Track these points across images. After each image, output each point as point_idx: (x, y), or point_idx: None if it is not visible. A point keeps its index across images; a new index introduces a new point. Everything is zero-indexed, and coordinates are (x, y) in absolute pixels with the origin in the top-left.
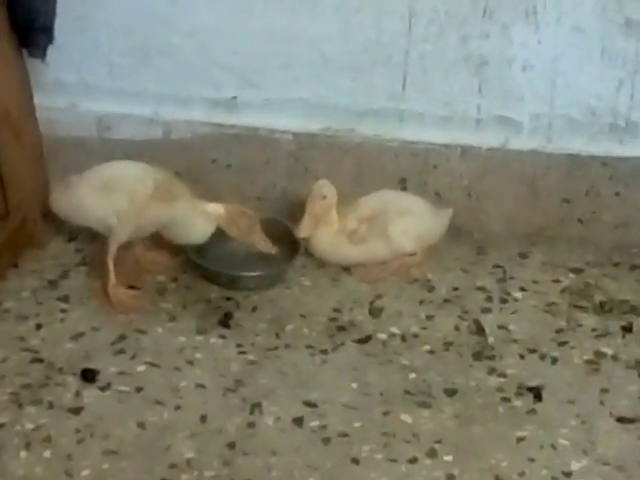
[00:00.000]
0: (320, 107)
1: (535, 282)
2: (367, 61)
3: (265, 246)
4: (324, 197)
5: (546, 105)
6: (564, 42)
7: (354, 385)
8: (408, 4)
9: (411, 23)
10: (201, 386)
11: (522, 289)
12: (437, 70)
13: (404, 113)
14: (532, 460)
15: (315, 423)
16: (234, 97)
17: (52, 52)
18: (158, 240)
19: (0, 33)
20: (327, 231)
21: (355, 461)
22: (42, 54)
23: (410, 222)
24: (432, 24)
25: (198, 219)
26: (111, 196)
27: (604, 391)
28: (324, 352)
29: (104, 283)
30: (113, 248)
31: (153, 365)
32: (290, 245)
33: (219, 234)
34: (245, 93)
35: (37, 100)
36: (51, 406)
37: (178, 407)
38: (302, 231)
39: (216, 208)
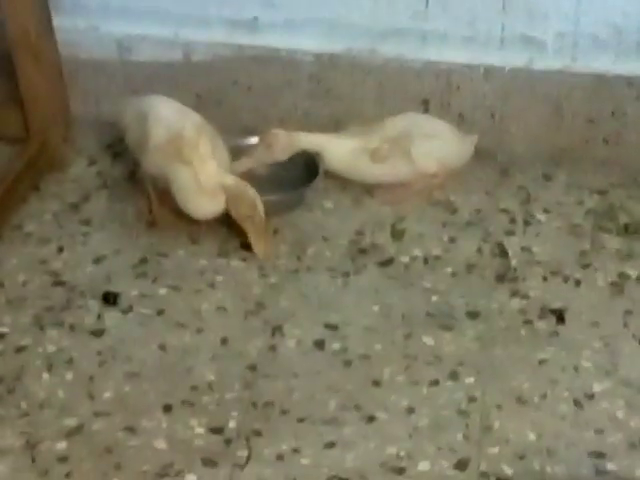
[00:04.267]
0: (341, 27)
1: (559, 204)
2: None
3: (256, 246)
4: (268, 145)
5: (571, 24)
6: None
7: (375, 308)
8: None
9: None
10: (222, 309)
11: (546, 211)
12: None
13: (427, 33)
14: (554, 382)
15: (336, 345)
16: (255, 17)
17: None
18: None
19: None
20: (346, 147)
21: (376, 383)
22: None
23: (434, 144)
24: None
25: (196, 196)
26: (141, 127)
27: (628, 313)
28: (345, 275)
29: (148, 204)
30: (148, 175)
31: (174, 288)
32: (311, 167)
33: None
34: (266, 13)
35: (56, 22)
36: (73, 329)
37: (199, 330)
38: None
39: (226, 179)
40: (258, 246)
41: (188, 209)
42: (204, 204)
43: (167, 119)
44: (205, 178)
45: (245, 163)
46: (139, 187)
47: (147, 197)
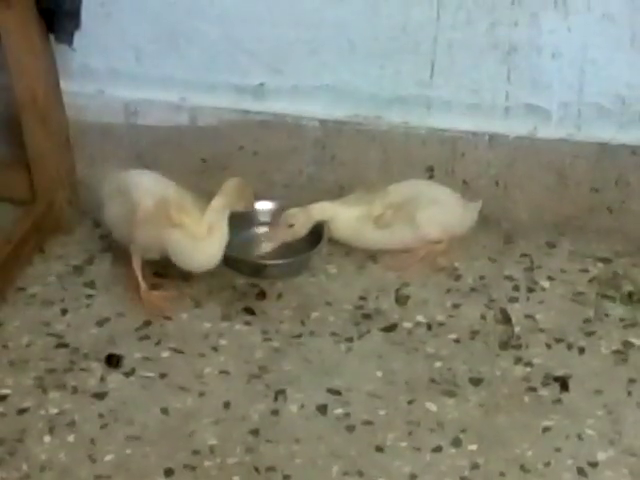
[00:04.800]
0: (347, 94)
1: (563, 271)
2: (395, 48)
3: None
4: (290, 226)
5: (575, 93)
6: (593, 30)
7: (379, 373)
8: None
9: (439, 10)
10: (225, 372)
11: (550, 278)
12: (465, 57)
13: (432, 100)
14: (558, 450)
15: (339, 411)
16: (261, 83)
17: (79, 38)
18: None
19: (27, 19)
20: (350, 215)
21: (379, 449)
22: (69, 40)
23: (438, 211)
24: (460, 11)
25: (198, 247)
26: (122, 205)
27: (632, 381)
28: (349, 340)
29: (135, 287)
30: (135, 258)
31: (177, 351)
32: (315, 233)
33: (242, 221)
34: (272, 79)
35: (64, 86)
36: (75, 391)
37: (202, 393)
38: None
39: (218, 202)
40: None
41: (191, 265)
42: (204, 252)
43: (150, 189)
44: (198, 229)
45: (269, 247)
46: (128, 270)
47: (135, 280)
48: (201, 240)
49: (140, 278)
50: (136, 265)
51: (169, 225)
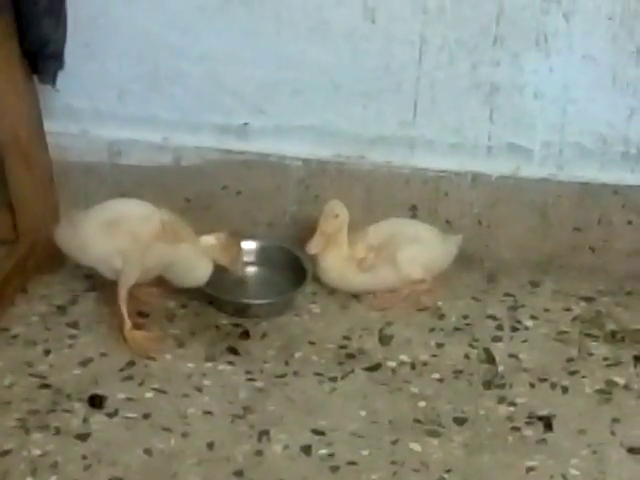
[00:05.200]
0: (330, 134)
1: (546, 310)
2: (377, 88)
3: (240, 269)
4: (336, 216)
5: (557, 133)
6: (575, 70)
7: (363, 413)
8: (418, 32)
9: (421, 51)
10: (209, 413)
11: (533, 317)
12: (448, 97)
13: (415, 140)
14: None
15: (323, 451)
16: (245, 123)
17: (62, 78)
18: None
19: (11, 60)
20: (336, 257)
21: None
22: (52, 80)
23: (418, 250)
24: (442, 52)
25: (201, 262)
26: (115, 236)
27: (615, 421)
28: (333, 380)
29: (120, 325)
30: (123, 292)
31: (161, 391)
32: (298, 272)
33: None
34: (256, 119)
35: (48, 126)
36: (58, 432)
37: (185, 434)
38: (312, 248)
39: (209, 240)
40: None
41: (194, 277)
42: (205, 268)
43: (142, 213)
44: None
45: (318, 242)
46: (113, 309)
47: (120, 319)
48: (204, 258)
49: (125, 316)
50: (122, 302)
51: (175, 241)
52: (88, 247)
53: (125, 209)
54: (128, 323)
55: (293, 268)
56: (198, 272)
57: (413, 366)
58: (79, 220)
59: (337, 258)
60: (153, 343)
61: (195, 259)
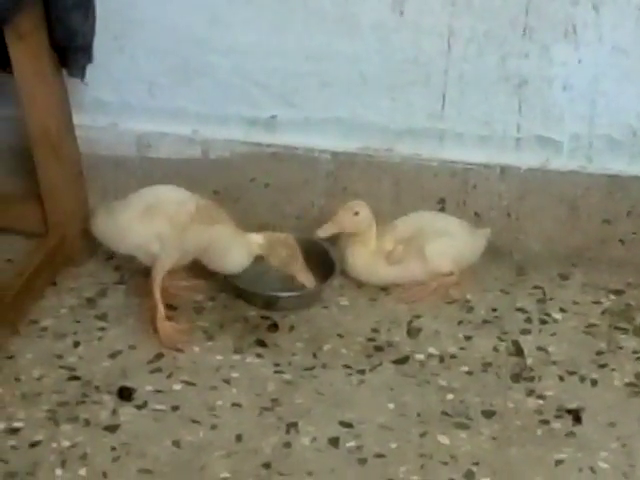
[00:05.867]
0: (359, 126)
1: (575, 303)
2: (406, 80)
3: (305, 278)
4: (355, 213)
5: (586, 125)
6: (604, 62)
7: (391, 406)
8: (447, 24)
9: (450, 43)
10: (237, 405)
11: (562, 310)
12: (476, 90)
13: (443, 132)
14: None
15: (351, 443)
16: (273, 116)
17: (91, 71)
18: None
19: (40, 53)
20: (364, 251)
21: None
22: (81, 73)
23: (447, 243)
24: (471, 44)
25: (237, 247)
26: (153, 221)
27: None
28: (361, 372)
29: (152, 315)
30: (158, 278)
31: (189, 384)
32: (327, 265)
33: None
34: (284, 112)
35: (77, 119)
36: (87, 424)
37: (214, 426)
38: (321, 232)
39: (256, 238)
40: (307, 279)
41: (229, 262)
42: (240, 254)
43: (178, 198)
44: (240, 233)
45: (329, 228)
46: (143, 301)
47: (150, 311)
48: (243, 244)
49: (159, 303)
50: (157, 288)
51: (213, 223)
52: (127, 234)
53: (161, 195)
54: (161, 310)
55: (322, 261)
56: (233, 256)
57: (441, 359)
58: (116, 208)
59: (365, 252)
60: (182, 335)
61: (230, 242)
